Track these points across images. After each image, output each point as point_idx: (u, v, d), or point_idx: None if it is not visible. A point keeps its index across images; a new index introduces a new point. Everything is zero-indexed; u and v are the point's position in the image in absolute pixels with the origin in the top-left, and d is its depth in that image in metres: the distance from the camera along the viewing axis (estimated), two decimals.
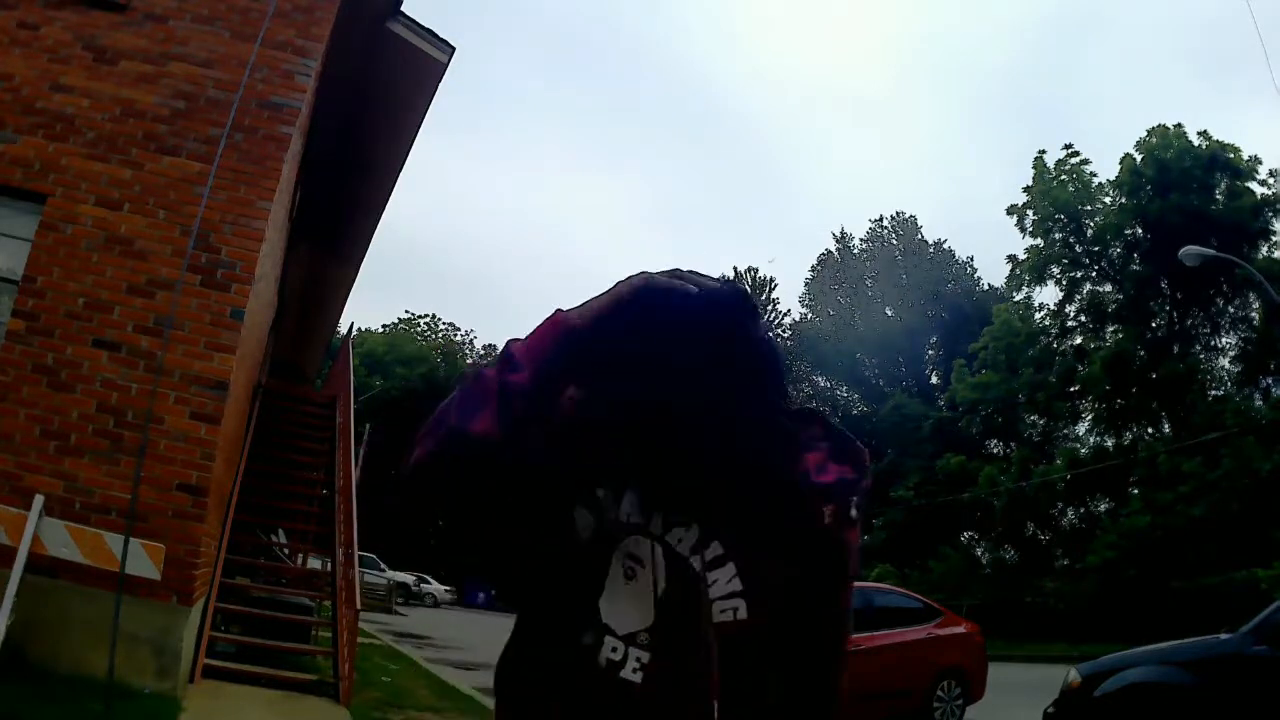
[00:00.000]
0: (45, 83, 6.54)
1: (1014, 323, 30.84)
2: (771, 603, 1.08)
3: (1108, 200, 29.11)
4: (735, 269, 51.79)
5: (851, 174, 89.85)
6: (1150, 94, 79.82)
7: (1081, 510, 30.92)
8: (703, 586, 1.07)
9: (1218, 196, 26.61)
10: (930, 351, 45.61)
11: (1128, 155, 27.79)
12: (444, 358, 50.70)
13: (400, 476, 1.09)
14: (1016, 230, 30.33)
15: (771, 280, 50.98)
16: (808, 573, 1.09)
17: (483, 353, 54.87)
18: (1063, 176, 29.36)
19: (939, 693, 8.79)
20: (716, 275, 1.11)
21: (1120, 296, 28.95)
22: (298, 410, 12.33)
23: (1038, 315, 31.29)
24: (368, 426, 29.78)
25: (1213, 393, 27.32)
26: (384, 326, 52.19)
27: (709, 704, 1.04)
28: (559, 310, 1.07)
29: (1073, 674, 6.77)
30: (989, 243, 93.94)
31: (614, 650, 1.07)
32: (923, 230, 47.96)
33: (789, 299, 66.18)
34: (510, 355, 1.05)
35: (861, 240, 49.17)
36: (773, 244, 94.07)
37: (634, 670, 1.07)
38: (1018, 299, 31.87)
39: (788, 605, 1.09)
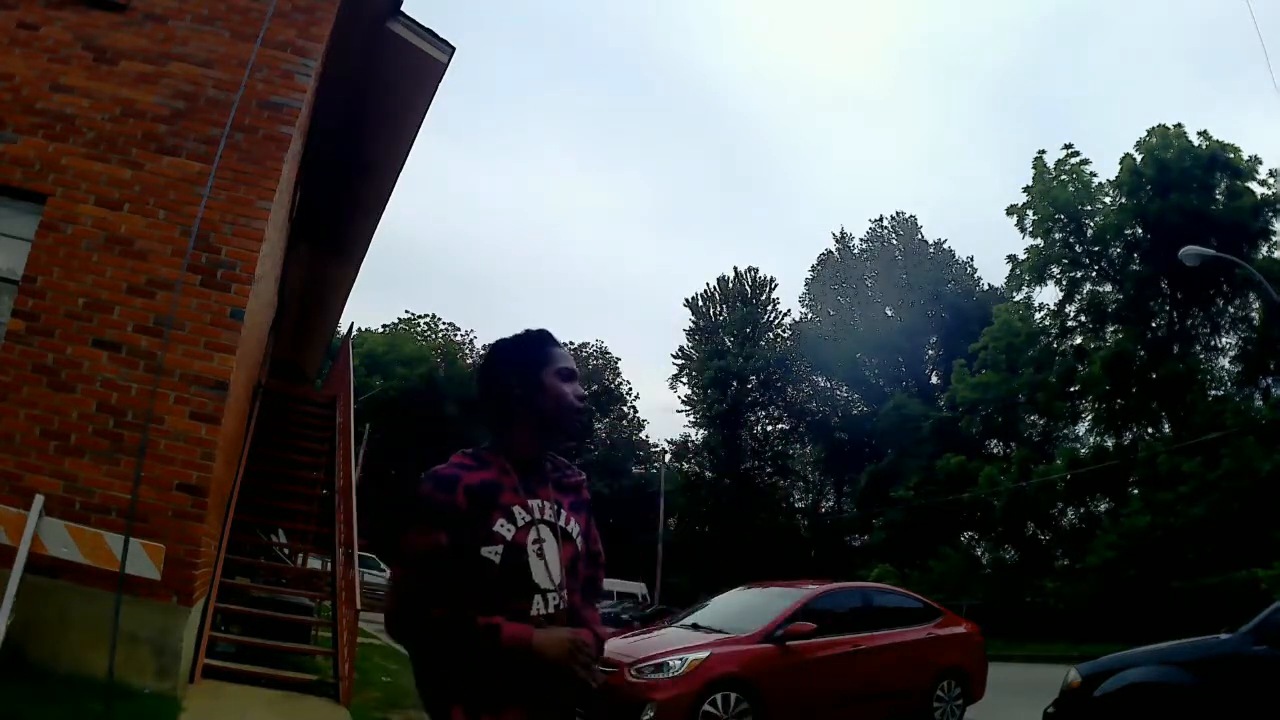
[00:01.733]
0: (45, 83, 6.54)
1: (1014, 323, 30.84)
2: (585, 535, 1.97)
3: (1108, 200, 29.13)
4: (735, 269, 51.89)
5: (851, 174, 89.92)
6: (1150, 94, 79.92)
7: (1081, 510, 30.95)
8: (569, 533, 1.92)
9: (1218, 196, 26.62)
10: (930, 351, 45.61)
11: (1128, 155, 27.81)
12: (444, 358, 50.68)
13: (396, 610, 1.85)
14: (1016, 230, 30.39)
15: (771, 280, 51.01)
16: (588, 516, 2.01)
17: (482, 353, 54.79)
18: (1063, 176, 29.37)
19: (939, 693, 8.78)
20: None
21: (1120, 296, 28.95)
22: (298, 410, 12.34)
23: (1038, 315, 31.31)
24: (368, 426, 29.78)
25: (1213, 393, 27.31)
26: (384, 326, 52.17)
27: (585, 596, 1.94)
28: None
29: (1073, 674, 6.76)
30: (989, 243, 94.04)
31: (553, 597, 1.84)
32: (923, 230, 48.05)
33: (789, 299, 66.11)
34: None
35: (861, 240, 49.24)
36: (773, 244, 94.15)
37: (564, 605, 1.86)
38: (1018, 299, 31.88)
39: (587, 534, 1.99)
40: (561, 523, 1.89)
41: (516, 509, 1.84)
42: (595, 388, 51.06)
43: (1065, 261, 29.57)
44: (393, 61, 8.73)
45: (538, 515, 1.86)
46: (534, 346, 1.97)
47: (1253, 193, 26.46)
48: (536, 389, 1.90)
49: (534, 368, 1.92)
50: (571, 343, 53.87)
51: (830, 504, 48.27)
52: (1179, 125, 27.25)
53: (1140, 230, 27.88)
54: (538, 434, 1.92)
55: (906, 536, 33.21)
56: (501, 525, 1.81)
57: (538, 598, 1.81)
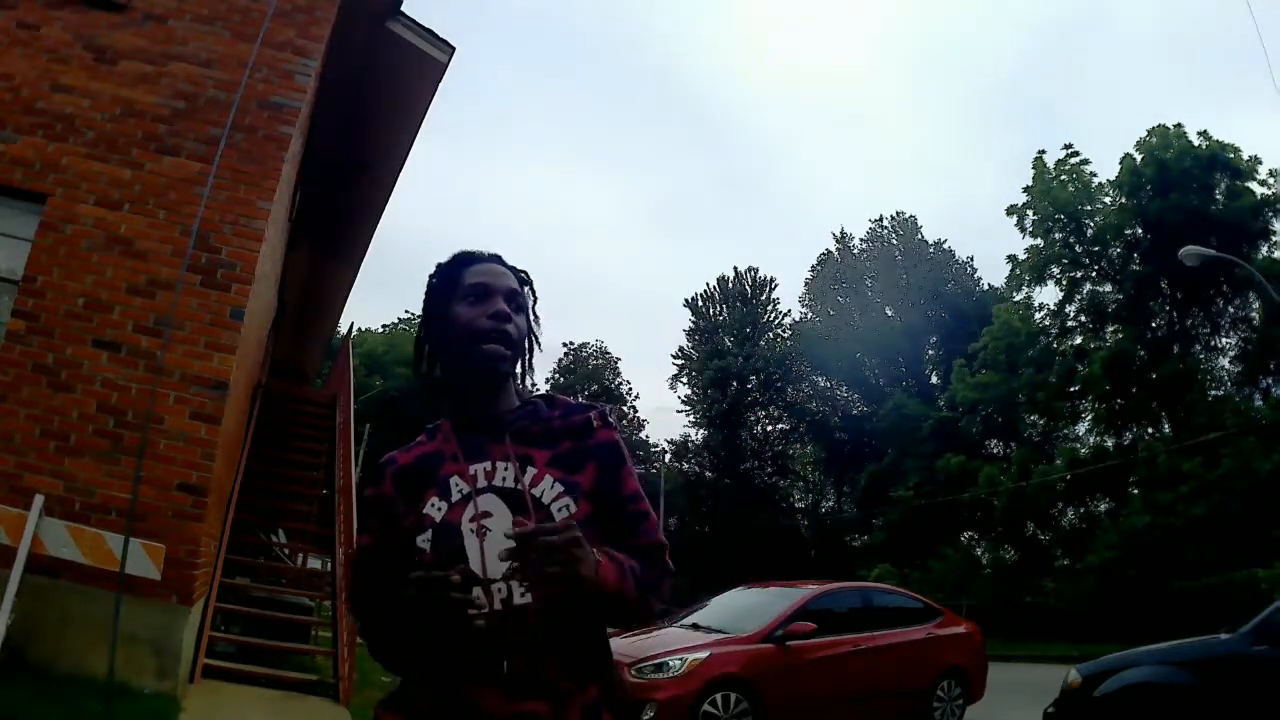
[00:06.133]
0: (45, 83, 6.54)
1: (1014, 323, 30.82)
2: (588, 495, 1.45)
3: (1108, 200, 29.11)
4: (735, 269, 51.87)
5: (852, 174, 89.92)
6: (1150, 94, 79.93)
7: (1081, 510, 30.92)
8: (531, 498, 1.41)
9: (1218, 196, 26.59)
10: (930, 351, 45.57)
11: (1128, 155, 27.78)
12: None
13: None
14: (1016, 230, 30.36)
15: (771, 280, 50.99)
16: (602, 464, 1.48)
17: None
18: (1063, 176, 29.34)
19: (939, 693, 8.78)
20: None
21: (1120, 296, 28.93)
22: (298, 410, 12.34)
23: (1038, 315, 31.28)
24: (367, 426, 29.80)
25: (1213, 393, 27.29)
26: (384, 326, 52.19)
27: (571, 586, 1.28)
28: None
29: (1073, 674, 6.76)
30: (989, 243, 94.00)
31: (499, 590, 1.37)
32: (923, 230, 47.92)
33: (789, 299, 66.07)
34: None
35: (861, 240, 49.16)
36: (773, 244, 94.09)
37: (521, 595, 1.37)
38: (1018, 299, 31.86)
39: (600, 491, 1.46)
40: (526, 486, 1.41)
41: (454, 480, 1.43)
42: (595, 388, 51.06)
43: (1065, 261, 29.55)
44: (392, 61, 8.73)
45: (483, 483, 1.42)
46: (441, 275, 1.57)
47: (1253, 193, 26.43)
48: (446, 325, 1.52)
49: (441, 302, 1.55)
50: (571, 342, 53.95)
51: (830, 504, 48.25)
52: (1179, 125, 27.25)
53: (1140, 230, 27.86)
54: (463, 381, 1.52)
55: (906, 536, 33.19)
56: (433, 505, 1.43)
57: (478, 591, 1.36)
